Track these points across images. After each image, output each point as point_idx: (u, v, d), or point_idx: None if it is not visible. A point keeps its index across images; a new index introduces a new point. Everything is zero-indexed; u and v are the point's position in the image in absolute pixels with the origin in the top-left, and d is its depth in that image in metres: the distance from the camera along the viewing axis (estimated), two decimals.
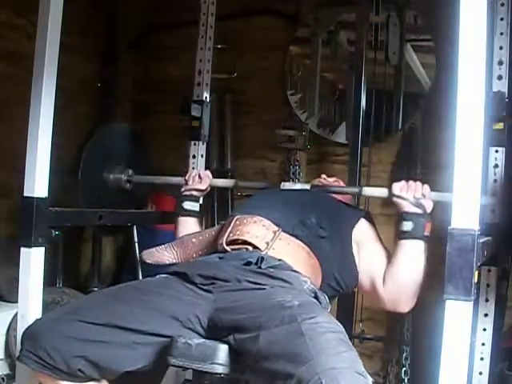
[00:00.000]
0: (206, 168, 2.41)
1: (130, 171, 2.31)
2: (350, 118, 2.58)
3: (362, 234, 1.73)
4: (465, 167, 1.11)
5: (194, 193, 2.04)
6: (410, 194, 1.66)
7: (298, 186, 2.01)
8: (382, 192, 1.80)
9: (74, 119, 2.71)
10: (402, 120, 2.81)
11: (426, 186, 1.68)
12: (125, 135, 2.52)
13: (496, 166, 1.92)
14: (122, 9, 3.30)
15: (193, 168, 2.42)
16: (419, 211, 1.64)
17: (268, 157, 3.13)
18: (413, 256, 1.61)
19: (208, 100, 2.43)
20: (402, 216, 1.65)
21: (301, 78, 3.10)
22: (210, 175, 2.08)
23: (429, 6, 2.75)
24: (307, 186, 1.97)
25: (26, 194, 1.60)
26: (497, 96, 1.83)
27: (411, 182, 1.69)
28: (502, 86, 1.85)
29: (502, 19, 1.87)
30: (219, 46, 2.72)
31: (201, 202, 2.08)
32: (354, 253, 1.68)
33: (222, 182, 2.21)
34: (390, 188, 1.71)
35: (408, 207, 1.65)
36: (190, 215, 2.00)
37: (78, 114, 2.73)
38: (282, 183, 1.99)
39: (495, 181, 1.92)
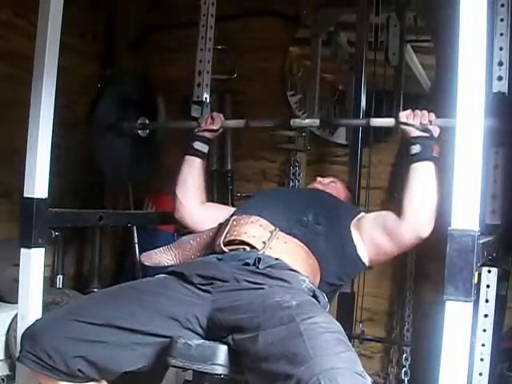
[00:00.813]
0: (206, 169, 2.41)
1: (145, 118, 2.29)
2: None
3: (359, 218, 1.74)
4: (465, 168, 1.11)
5: (206, 134, 2.06)
6: (417, 120, 1.70)
7: (308, 121, 2.10)
8: (389, 122, 1.86)
9: (74, 119, 2.71)
10: None
11: (432, 114, 1.72)
12: (138, 84, 2.51)
13: (496, 166, 1.92)
14: (122, 9, 3.30)
15: None
16: (426, 135, 1.69)
17: (268, 158, 3.13)
18: (424, 176, 1.64)
19: (208, 101, 2.43)
20: (409, 141, 1.70)
21: (301, 78, 3.10)
22: (222, 117, 2.09)
23: (429, 7, 2.75)
24: (317, 121, 2.05)
25: (25, 195, 1.59)
26: (497, 97, 1.83)
27: (417, 110, 1.73)
28: (502, 87, 1.85)
29: (502, 20, 1.87)
30: (219, 47, 2.71)
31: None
32: (356, 240, 1.68)
33: (233, 123, 2.22)
34: (396, 117, 1.76)
35: (415, 132, 1.70)
36: (197, 156, 2.02)
37: (78, 114, 2.73)
38: (292, 120, 2.07)
39: (495, 181, 1.92)
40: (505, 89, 1.85)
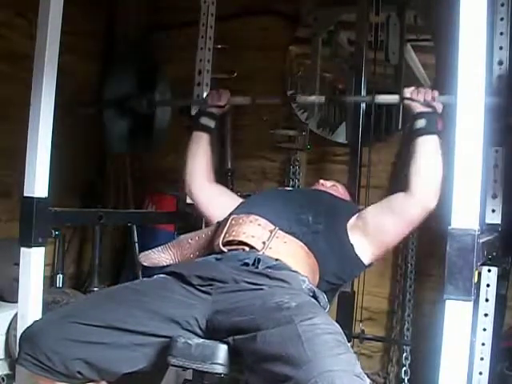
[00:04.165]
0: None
1: (151, 94, 2.33)
2: (350, 117, 2.58)
3: (359, 214, 1.73)
4: (465, 167, 1.11)
5: (213, 110, 2.07)
6: (421, 96, 1.74)
7: (313, 97, 2.18)
8: (393, 98, 1.90)
9: (74, 119, 2.71)
10: (401, 120, 2.80)
11: (436, 91, 1.75)
12: (144, 62, 2.52)
13: (496, 165, 1.92)
14: (122, 9, 3.30)
15: None
16: (430, 110, 1.72)
17: (268, 157, 3.13)
18: (430, 149, 1.67)
19: None
20: (414, 117, 1.74)
21: (301, 78, 3.10)
22: (229, 93, 2.09)
23: (429, 6, 2.75)
24: (322, 98, 2.11)
25: (26, 194, 1.59)
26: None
27: (421, 88, 1.77)
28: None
29: (501, 19, 1.87)
30: (219, 46, 2.71)
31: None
32: (356, 240, 1.67)
33: (239, 100, 2.21)
34: (401, 93, 1.81)
35: (419, 108, 1.74)
36: (204, 131, 2.02)
37: (78, 114, 2.73)
38: (298, 95, 2.12)
39: (495, 181, 1.92)
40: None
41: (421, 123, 1.71)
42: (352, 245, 1.67)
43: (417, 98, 1.74)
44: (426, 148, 1.67)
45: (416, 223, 1.68)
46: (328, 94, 2.21)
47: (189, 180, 1.96)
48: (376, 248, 1.69)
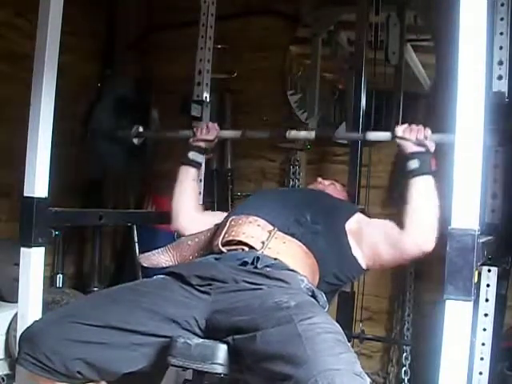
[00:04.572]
0: (206, 168, 2.41)
1: (139, 127, 2.28)
2: (350, 117, 2.58)
3: (358, 222, 1.73)
4: (465, 167, 1.11)
5: (202, 144, 2.06)
6: (413, 135, 1.71)
7: (303, 133, 2.14)
8: (385, 135, 1.86)
9: (74, 119, 2.71)
10: (401, 120, 2.80)
11: (428, 129, 1.72)
12: (133, 92, 2.49)
13: (496, 165, 1.92)
14: (122, 9, 3.30)
15: None
16: (423, 150, 1.70)
17: (268, 157, 3.13)
18: (424, 190, 1.64)
19: (208, 100, 2.43)
20: (407, 157, 1.71)
21: (301, 77, 3.11)
22: (218, 127, 2.09)
23: (429, 6, 2.75)
24: (313, 134, 2.07)
25: (25, 194, 1.60)
26: (497, 96, 1.83)
27: (413, 125, 1.74)
28: (502, 86, 1.85)
29: (502, 19, 1.87)
30: (219, 46, 2.71)
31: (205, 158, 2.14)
32: (353, 244, 1.67)
33: (228, 134, 2.20)
34: (392, 131, 1.77)
35: (411, 148, 1.72)
36: (192, 165, 2.03)
37: (78, 114, 2.72)
38: (288, 131, 2.07)
39: (495, 181, 1.92)
40: (505, 88, 1.85)
41: (414, 164, 1.69)
42: (350, 246, 1.68)
43: (409, 136, 1.72)
44: (420, 189, 1.65)
45: (409, 259, 1.69)
46: (319, 129, 2.17)
47: (176, 218, 1.98)
48: (369, 260, 1.70)
